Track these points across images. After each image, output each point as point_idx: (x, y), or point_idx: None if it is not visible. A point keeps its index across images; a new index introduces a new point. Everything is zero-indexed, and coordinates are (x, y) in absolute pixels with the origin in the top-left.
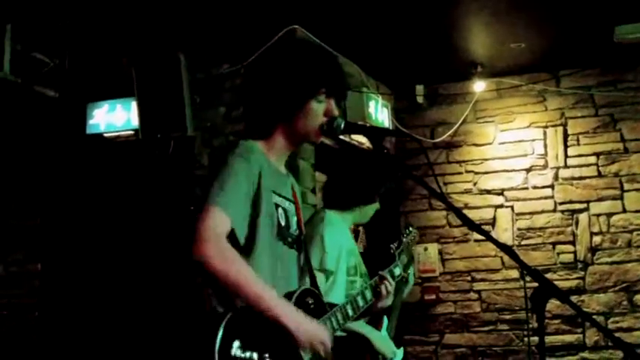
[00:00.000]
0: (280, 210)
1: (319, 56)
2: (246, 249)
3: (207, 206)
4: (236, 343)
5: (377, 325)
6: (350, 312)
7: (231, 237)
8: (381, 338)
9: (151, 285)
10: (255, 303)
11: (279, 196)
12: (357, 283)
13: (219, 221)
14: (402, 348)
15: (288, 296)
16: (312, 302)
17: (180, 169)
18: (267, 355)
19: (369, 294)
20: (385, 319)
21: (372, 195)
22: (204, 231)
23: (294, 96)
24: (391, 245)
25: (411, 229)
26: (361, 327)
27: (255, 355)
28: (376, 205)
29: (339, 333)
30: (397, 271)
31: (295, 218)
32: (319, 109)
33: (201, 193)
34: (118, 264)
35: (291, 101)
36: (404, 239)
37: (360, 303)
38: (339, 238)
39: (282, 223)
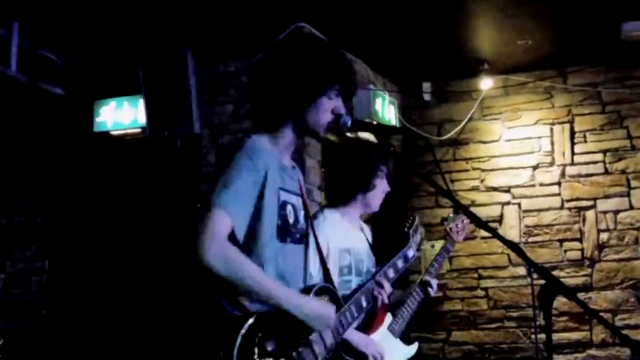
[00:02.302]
0: (289, 207)
1: (330, 53)
2: (246, 247)
3: (210, 206)
4: (254, 349)
5: (372, 325)
6: (364, 303)
7: (232, 235)
8: (360, 337)
9: (157, 282)
10: (267, 298)
11: (287, 191)
12: (353, 283)
13: (221, 222)
14: (415, 343)
15: (303, 292)
16: (327, 298)
17: (187, 167)
18: (284, 347)
19: (391, 273)
20: (389, 316)
21: (365, 180)
22: (206, 233)
23: (306, 92)
24: (405, 224)
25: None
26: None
27: (274, 351)
28: (382, 188)
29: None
30: (410, 253)
31: (303, 212)
32: (329, 105)
33: (207, 189)
34: (125, 261)
35: (302, 97)
36: (415, 221)
37: (364, 302)
38: (330, 238)
39: (291, 221)
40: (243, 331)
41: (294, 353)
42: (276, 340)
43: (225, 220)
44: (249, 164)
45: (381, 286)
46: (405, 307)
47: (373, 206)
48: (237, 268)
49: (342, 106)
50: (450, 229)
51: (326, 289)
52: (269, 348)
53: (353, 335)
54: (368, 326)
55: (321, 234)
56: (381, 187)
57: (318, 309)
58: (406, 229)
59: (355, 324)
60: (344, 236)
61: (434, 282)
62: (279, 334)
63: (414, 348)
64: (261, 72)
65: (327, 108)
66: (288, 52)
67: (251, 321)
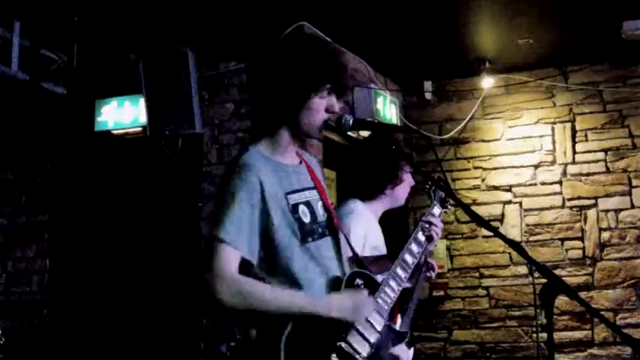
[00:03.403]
0: (301, 208)
1: (321, 51)
2: (269, 262)
3: (215, 244)
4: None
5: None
6: (401, 273)
7: (245, 264)
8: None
9: (159, 281)
10: (289, 312)
11: (296, 192)
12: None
13: (228, 258)
14: (412, 348)
15: (336, 285)
16: (361, 283)
17: (189, 166)
18: (331, 342)
19: (415, 247)
20: (399, 318)
21: (394, 174)
22: (216, 273)
23: (297, 91)
24: (426, 185)
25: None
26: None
27: (321, 349)
28: (409, 181)
29: None
30: (436, 210)
31: (321, 202)
32: (321, 104)
33: (209, 220)
34: (127, 260)
35: (293, 97)
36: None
37: (409, 260)
38: (366, 232)
39: (307, 220)
40: (283, 339)
41: (343, 344)
42: (320, 337)
43: (232, 254)
44: (244, 186)
45: (431, 223)
46: (409, 309)
47: (400, 200)
48: (254, 299)
49: (336, 103)
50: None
51: (358, 274)
52: (316, 348)
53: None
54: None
55: (359, 226)
56: (408, 181)
57: (346, 301)
58: (427, 189)
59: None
60: (374, 233)
61: (433, 262)
62: (322, 331)
63: (411, 352)
64: (255, 74)
65: (320, 108)
66: (279, 53)
67: (289, 329)
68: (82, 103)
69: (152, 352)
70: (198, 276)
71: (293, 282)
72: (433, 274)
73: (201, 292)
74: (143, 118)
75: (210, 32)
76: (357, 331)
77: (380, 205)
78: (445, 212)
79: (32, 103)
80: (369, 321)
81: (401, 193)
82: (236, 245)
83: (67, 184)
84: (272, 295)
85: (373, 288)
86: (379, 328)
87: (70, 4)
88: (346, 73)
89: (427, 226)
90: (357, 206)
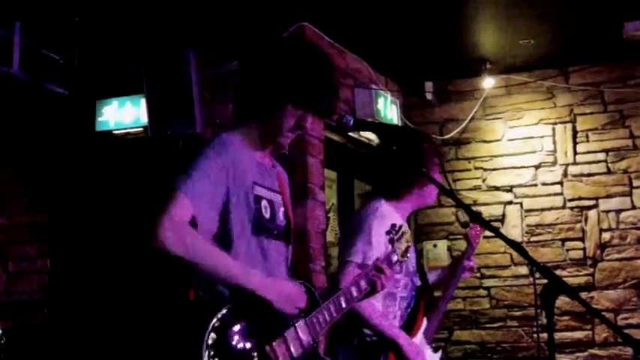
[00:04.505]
0: (264, 202)
1: (317, 70)
2: (222, 241)
3: (177, 193)
4: (226, 342)
5: (414, 326)
6: (343, 304)
7: (194, 224)
8: (411, 344)
9: (159, 281)
10: (228, 279)
11: (263, 187)
12: (401, 282)
13: (180, 207)
14: (440, 351)
15: None
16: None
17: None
18: (257, 341)
19: (363, 284)
20: (425, 321)
21: (423, 172)
22: (163, 217)
23: (278, 94)
24: (390, 232)
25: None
26: (395, 331)
27: (247, 344)
28: (437, 180)
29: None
30: (394, 257)
31: (283, 209)
32: (294, 115)
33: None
34: (127, 261)
35: (273, 98)
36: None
37: (354, 294)
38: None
39: (267, 216)
40: (214, 320)
41: (267, 348)
42: (251, 332)
43: (186, 204)
44: (216, 157)
45: (380, 270)
46: (435, 311)
47: (430, 199)
48: (196, 252)
49: (308, 120)
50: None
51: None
52: (242, 342)
53: (405, 341)
54: (410, 329)
55: (381, 226)
56: (436, 180)
57: (280, 286)
58: (390, 237)
59: (394, 311)
60: None
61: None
62: (255, 326)
63: (439, 355)
64: (248, 64)
65: (290, 118)
66: (276, 52)
67: (224, 311)
68: (83, 103)
69: (153, 353)
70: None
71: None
72: (468, 275)
73: (146, 240)
74: (144, 119)
75: (211, 32)
76: (284, 340)
77: (407, 205)
78: (403, 261)
79: (33, 103)
80: (298, 335)
81: (431, 192)
82: (191, 199)
83: (68, 184)
84: (211, 251)
85: (312, 306)
86: (305, 345)
87: (71, 4)
88: (333, 98)
89: (373, 271)
90: (380, 205)
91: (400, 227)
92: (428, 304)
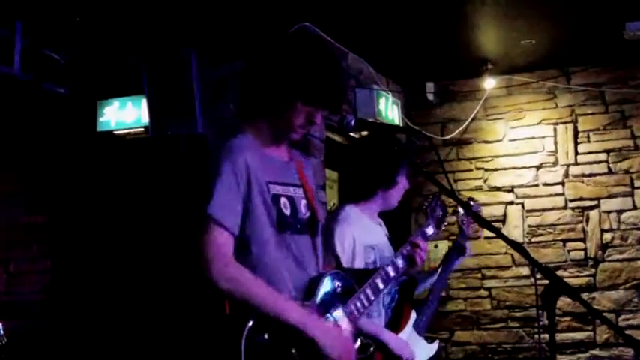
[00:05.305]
0: (283, 200)
1: (325, 65)
2: (242, 247)
3: (205, 222)
4: (261, 348)
5: (400, 321)
6: (380, 285)
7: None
8: (396, 339)
9: (161, 282)
10: (277, 317)
11: (279, 184)
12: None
13: (220, 239)
14: (436, 342)
15: (313, 283)
16: (339, 285)
17: (191, 167)
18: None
19: (400, 262)
20: (414, 313)
21: (389, 176)
22: (208, 251)
23: (287, 91)
24: (425, 203)
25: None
26: (373, 327)
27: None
28: (403, 185)
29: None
30: (429, 230)
31: (304, 201)
32: (304, 112)
33: (195, 197)
34: (128, 261)
35: (282, 95)
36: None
37: (392, 273)
38: (354, 234)
39: (287, 212)
40: (244, 334)
41: (293, 350)
42: (279, 337)
43: (227, 238)
44: (230, 166)
45: (416, 245)
46: (427, 302)
47: (393, 203)
48: (242, 286)
49: (318, 117)
50: (462, 221)
51: (336, 276)
52: (272, 348)
53: (390, 338)
54: (396, 324)
55: (346, 230)
56: (402, 184)
57: (330, 332)
58: (425, 208)
59: (379, 309)
60: (367, 232)
61: (466, 244)
62: (281, 332)
63: (435, 346)
64: (252, 63)
65: (300, 113)
66: (286, 49)
67: (250, 323)
68: (84, 104)
69: (153, 353)
70: (189, 257)
71: (262, 268)
72: (462, 259)
73: (193, 274)
74: (145, 119)
75: (212, 33)
76: None
77: (374, 207)
78: (439, 232)
79: (34, 103)
80: (338, 325)
81: (394, 195)
82: (227, 225)
83: (68, 184)
84: (258, 288)
85: (349, 291)
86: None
87: (72, 4)
88: (342, 93)
89: (409, 247)
90: (345, 211)
91: (434, 197)
92: (412, 297)
